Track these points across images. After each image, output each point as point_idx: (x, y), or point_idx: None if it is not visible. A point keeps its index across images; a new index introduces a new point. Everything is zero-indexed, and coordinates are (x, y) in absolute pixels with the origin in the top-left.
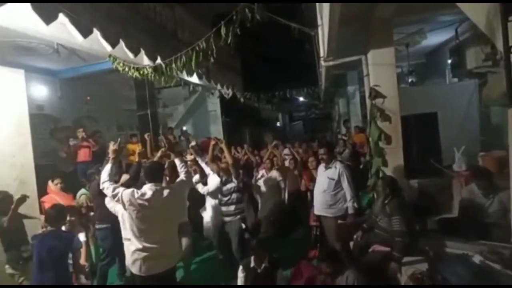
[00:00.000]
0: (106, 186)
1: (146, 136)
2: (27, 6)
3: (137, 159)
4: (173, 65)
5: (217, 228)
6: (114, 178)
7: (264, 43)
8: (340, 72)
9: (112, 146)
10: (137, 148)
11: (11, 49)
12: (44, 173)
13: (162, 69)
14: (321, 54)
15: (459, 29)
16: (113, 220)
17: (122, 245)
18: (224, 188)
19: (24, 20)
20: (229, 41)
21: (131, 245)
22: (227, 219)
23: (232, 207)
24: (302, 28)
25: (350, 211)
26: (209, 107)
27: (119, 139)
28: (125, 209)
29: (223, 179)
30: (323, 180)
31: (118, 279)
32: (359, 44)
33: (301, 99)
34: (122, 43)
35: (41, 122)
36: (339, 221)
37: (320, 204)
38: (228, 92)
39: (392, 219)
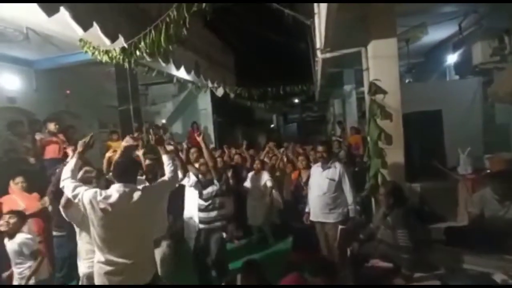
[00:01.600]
0: (67, 185)
1: (144, 129)
2: None
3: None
4: (142, 44)
5: (193, 236)
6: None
7: (259, 39)
8: (337, 70)
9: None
10: (118, 145)
11: None
12: (7, 171)
13: (131, 50)
14: (318, 45)
15: (463, 23)
16: (71, 227)
17: None
18: (205, 192)
19: None
20: (203, 6)
21: (95, 256)
22: (205, 226)
23: (213, 214)
24: (297, 15)
25: (352, 214)
26: (199, 105)
27: (91, 133)
28: (86, 213)
29: (203, 181)
30: (321, 182)
31: None
32: (359, 35)
33: (296, 100)
34: (97, 29)
35: (13, 116)
36: (340, 227)
37: (318, 208)
38: (216, 87)
39: (396, 232)
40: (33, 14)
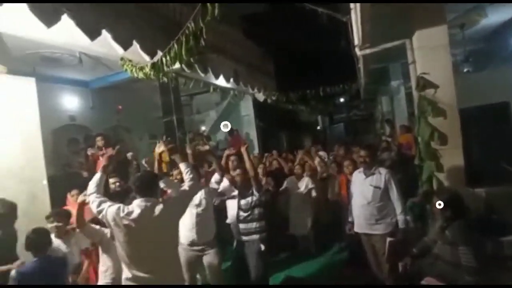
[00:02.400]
0: (92, 200)
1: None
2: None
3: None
4: (167, 58)
5: (235, 248)
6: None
7: (296, 42)
8: (381, 66)
9: (108, 152)
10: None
11: (39, 61)
12: (65, 184)
13: (159, 64)
14: (356, 42)
15: None
16: None
17: None
18: (243, 201)
19: (39, 28)
20: (216, 13)
21: (123, 273)
22: (245, 238)
23: (252, 225)
24: (332, 13)
25: (401, 225)
26: (242, 112)
27: (117, 146)
28: (111, 229)
29: (241, 191)
30: (365, 190)
31: None
32: (402, 26)
33: (342, 100)
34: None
35: (74, 132)
36: (389, 239)
37: (363, 219)
38: (256, 92)
39: (457, 249)
40: (82, 39)
